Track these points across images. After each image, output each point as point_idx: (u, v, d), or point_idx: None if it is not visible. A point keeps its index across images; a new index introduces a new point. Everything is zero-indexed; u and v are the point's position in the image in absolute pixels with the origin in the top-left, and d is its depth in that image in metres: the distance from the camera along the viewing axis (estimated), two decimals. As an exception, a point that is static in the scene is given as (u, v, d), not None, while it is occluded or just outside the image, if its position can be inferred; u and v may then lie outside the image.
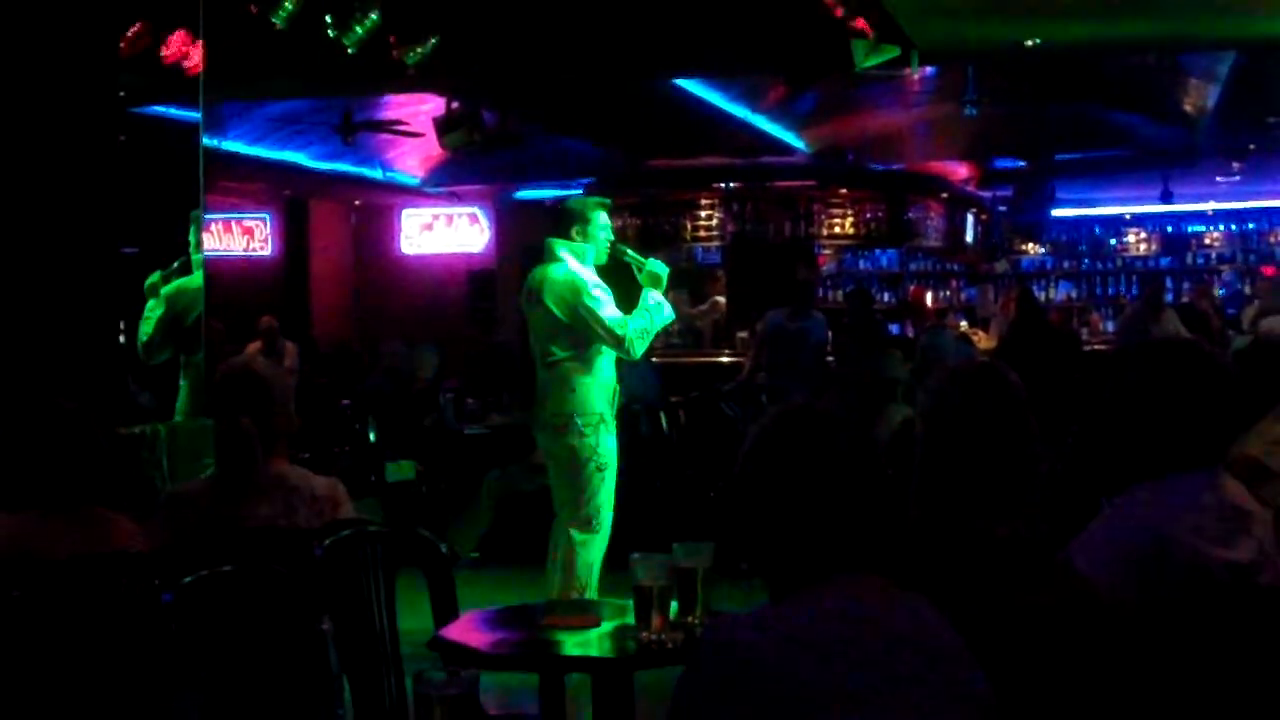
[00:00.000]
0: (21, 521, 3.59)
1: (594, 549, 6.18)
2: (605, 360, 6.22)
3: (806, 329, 11.00)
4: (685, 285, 14.32)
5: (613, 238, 6.42)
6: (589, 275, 6.21)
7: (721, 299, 14.56)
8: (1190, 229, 18.48)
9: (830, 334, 11.44)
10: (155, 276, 6.85)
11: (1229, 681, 2.55)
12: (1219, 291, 16.79)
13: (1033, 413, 2.87)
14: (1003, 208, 16.35)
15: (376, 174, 15.30)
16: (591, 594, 6.07)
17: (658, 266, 6.31)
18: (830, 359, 11.17)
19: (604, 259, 6.34)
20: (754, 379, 10.80)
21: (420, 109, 11.82)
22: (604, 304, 6.12)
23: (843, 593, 2.13)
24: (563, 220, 6.38)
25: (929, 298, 16.97)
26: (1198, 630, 2.54)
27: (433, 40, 8.14)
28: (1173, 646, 2.53)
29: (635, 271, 6.33)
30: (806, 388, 10.00)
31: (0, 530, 3.57)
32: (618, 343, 6.10)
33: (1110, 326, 16.38)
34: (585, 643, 3.79)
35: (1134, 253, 18.62)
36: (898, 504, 2.28)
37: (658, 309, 6.21)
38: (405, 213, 18.33)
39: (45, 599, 3.32)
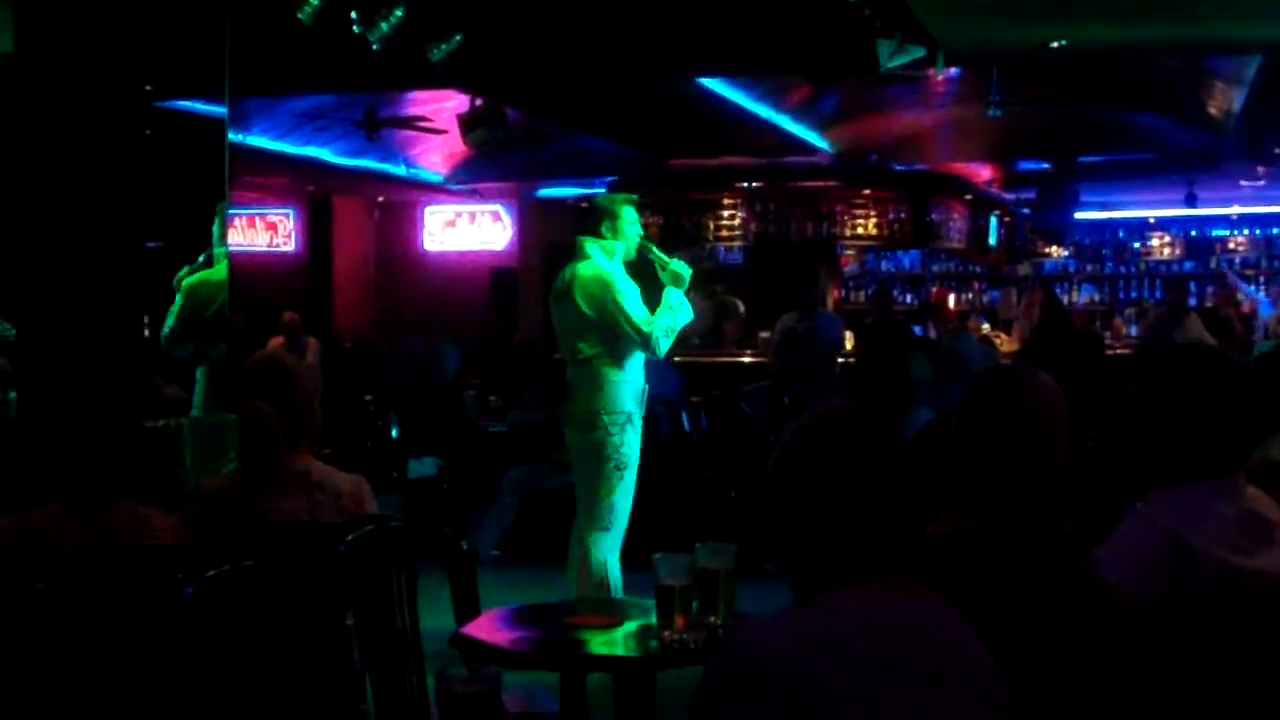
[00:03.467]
0: (52, 515, 3.60)
1: (605, 547, 6.16)
2: (634, 358, 6.21)
3: (816, 329, 11.00)
4: (695, 285, 14.27)
5: (641, 234, 6.43)
6: (618, 272, 6.21)
7: (731, 299, 14.53)
8: (1214, 233, 18.39)
9: (848, 333, 11.40)
10: (184, 272, 6.91)
11: (1255, 688, 2.54)
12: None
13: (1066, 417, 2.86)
14: (1026, 210, 16.29)
15: (400, 170, 15.29)
16: (614, 593, 6.06)
17: (680, 267, 6.30)
18: (848, 359, 11.16)
19: (633, 255, 6.34)
20: (778, 382, 10.83)
21: (444, 106, 11.82)
22: (632, 301, 6.12)
23: (867, 595, 2.12)
24: (592, 217, 6.36)
25: (951, 300, 16.93)
26: (1224, 637, 2.53)
27: (457, 37, 8.14)
28: (1198, 654, 2.52)
29: (659, 270, 6.33)
30: (822, 387, 10.00)
31: (32, 523, 3.59)
32: (644, 340, 6.09)
33: (1133, 330, 16.31)
34: (607, 642, 3.80)
35: (1157, 256, 18.54)
36: (926, 507, 2.28)
37: (680, 308, 6.21)
38: (428, 209, 18.33)
39: (69, 592, 3.33)
